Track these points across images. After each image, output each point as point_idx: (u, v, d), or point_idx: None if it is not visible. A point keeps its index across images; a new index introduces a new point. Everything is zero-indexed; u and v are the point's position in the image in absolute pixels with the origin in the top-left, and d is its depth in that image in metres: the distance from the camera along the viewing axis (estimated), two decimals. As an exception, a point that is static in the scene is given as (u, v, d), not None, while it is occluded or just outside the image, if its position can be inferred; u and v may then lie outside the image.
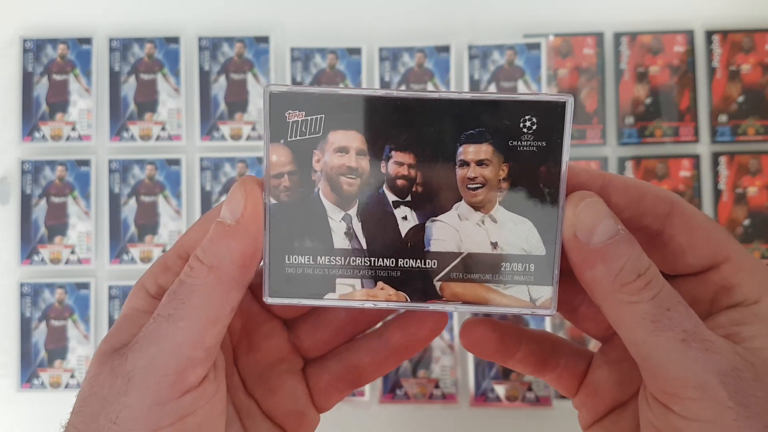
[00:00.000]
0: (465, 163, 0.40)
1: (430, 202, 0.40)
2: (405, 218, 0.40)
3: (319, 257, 0.41)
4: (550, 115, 0.39)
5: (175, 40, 1.12)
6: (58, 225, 1.10)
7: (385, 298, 0.41)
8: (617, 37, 1.10)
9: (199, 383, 0.39)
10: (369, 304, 0.41)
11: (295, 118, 0.40)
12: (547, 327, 1.05)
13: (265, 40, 1.12)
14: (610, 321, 0.39)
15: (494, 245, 0.41)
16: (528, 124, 0.39)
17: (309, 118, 0.40)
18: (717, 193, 1.08)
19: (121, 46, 1.12)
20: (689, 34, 1.10)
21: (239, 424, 0.46)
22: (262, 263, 0.41)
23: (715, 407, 0.35)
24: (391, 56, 1.11)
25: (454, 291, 0.41)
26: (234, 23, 1.13)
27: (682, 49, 1.10)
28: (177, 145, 1.11)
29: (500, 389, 1.06)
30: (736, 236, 1.03)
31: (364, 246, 0.41)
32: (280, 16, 1.13)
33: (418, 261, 0.41)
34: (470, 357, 1.07)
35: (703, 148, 1.10)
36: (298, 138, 0.40)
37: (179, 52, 1.12)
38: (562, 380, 0.49)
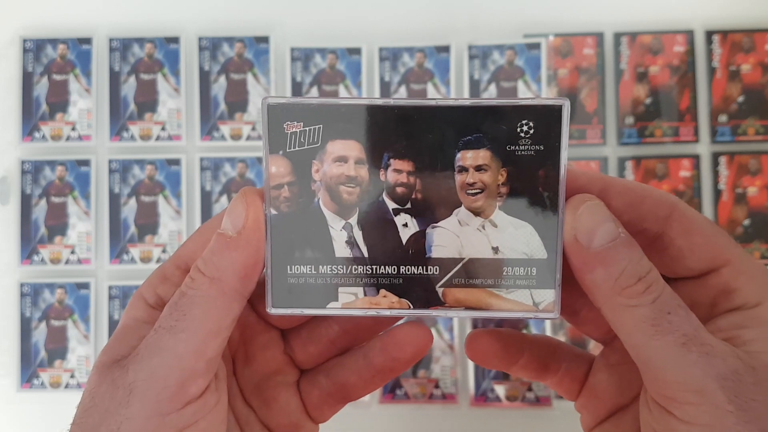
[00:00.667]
0: (464, 169, 0.40)
1: (430, 209, 0.40)
2: (405, 225, 0.41)
3: (320, 267, 0.41)
4: (547, 119, 0.39)
5: (175, 40, 1.12)
6: (58, 225, 1.10)
7: (388, 306, 0.41)
8: (617, 37, 1.10)
9: (201, 394, 0.39)
10: (372, 312, 0.41)
11: (294, 129, 0.40)
12: (547, 329, 1.05)
13: (265, 40, 1.12)
14: (610, 324, 0.39)
15: (495, 250, 0.41)
16: (525, 128, 0.39)
17: (307, 128, 0.40)
18: (717, 193, 1.08)
19: (121, 46, 1.12)
20: (689, 34, 1.10)
21: None
22: (263, 274, 0.41)
23: (714, 411, 0.35)
24: (391, 56, 1.11)
25: (456, 297, 0.41)
26: (234, 23, 1.12)
27: (682, 49, 1.10)
28: (177, 145, 1.11)
29: (500, 389, 1.06)
30: (736, 236, 1.03)
31: (366, 254, 0.41)
32: (280, 16, 1.13)
33: (420, 268, 0.41)
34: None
35: (703, 148, 1.10)
36: (297, 149, 0.40)
37: (179, 52, 1.12)
38: (563, 384, 0.49)
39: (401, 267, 0.41)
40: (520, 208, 0.40)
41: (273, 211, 0.40)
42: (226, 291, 0.39)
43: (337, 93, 1.11)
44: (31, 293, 1.09)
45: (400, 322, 0.47)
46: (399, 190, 0.40)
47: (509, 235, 0.40)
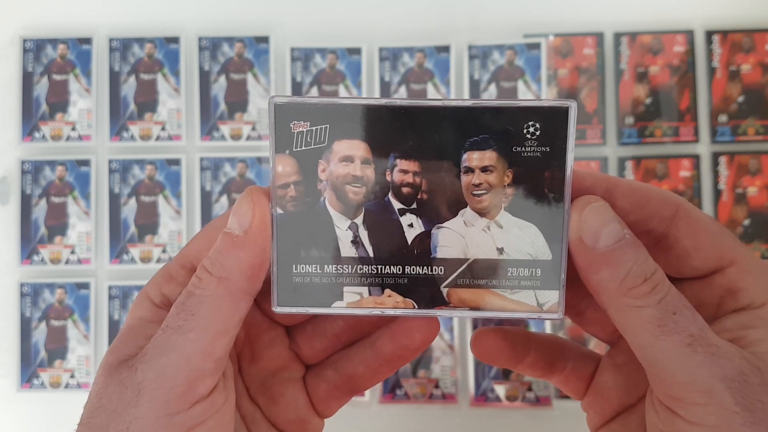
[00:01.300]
0: (470, 170, 0.40)
1: (436, 209, 0.41)
2: (411, 225, 0.41)
3: (326, 266, 0.41)
4: (554, 120, 0.39)
5: (175, 40, 1.12)
6: (58, 225, 1.10)
7: (393, 306, 0.41)
8: (617, 37, 1.10)
9: (209, 394, 0.39)
10: (377, 312, 0.41)
11: (300, 129, 0.40)
12: (547, 327, 1.05)
13: (265, 40, 1.12)
14: (616, 325, 0.39)
15: (500, 251, 0.41)
16: (531, 129, 0.39)
17: (314, 128, 0.40)
18: (717, 193, 1.08)
19: (121, 46, 1.12)
20: (689, 34, 1.10)
21: (245, 431, 0.46)
22: (269, 272, 0.41)
23: (721, 412, 0.35)
24: (391, 56, 1.11)
25: (461, 297, 0.41)
26: (234, 23, 1.12)
27: (682, 49, 1.10)
28: (177, 145, 1.11)
29: (500, 389, 1.06)
30: (736, 236, 1.03)
31: (371, 254, 0.41)
32: (280, 16, 1.13)
33: (425, 268, 0.41)
34: (470, 357, 1.07)
35: (703, 148, 1.10)
36: (304, 148, 0.40)
37: (179, 52, 1.12)
38: (569, 383, 0.49)
39: (406, 267, 0.41)
40: (526, 209, 0.40)
41: (279, 211, 0.41)
42: (234, 290, 0.39)
43: (337, 93, 1.11)
44: (31, 293, 1.09)
45: None
46: (405, 190, 0.40)
47: (514, 235, 0.41)
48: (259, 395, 0.48)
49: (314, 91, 1.11)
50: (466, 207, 0.40)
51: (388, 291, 0.41)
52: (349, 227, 0.41)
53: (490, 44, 1.10)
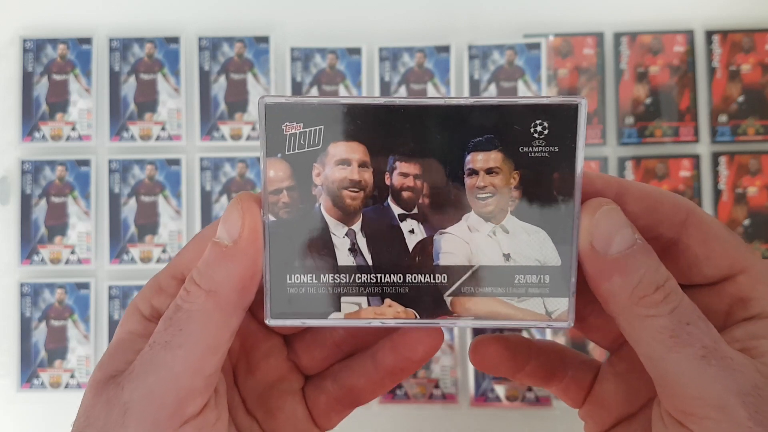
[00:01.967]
0: (474, 172, 0.38)
1: (438, 214, 0.39)
2: (412, 231, 0.39)
3: (322, 276, 0.39)
4: (563, 118, 0.37)
5: (175, 40, 1.12)
6: (58, 225, 1.10)
7: (394, 316, 0.39)
8: (617, 37, 1.10)
9: (200, 412, 0.38)
10: (376, 323, 0.40)
11: (293, 131, 0.38)
12: (547, 333, 1.05)
13: (265, 40, 1.11)
14: (626, 335, 0.37)
15: (507, 257, 0.39)
16: (539, 128, 0.38)
17: (307, 130, 0.38)
18: (717, 193, 1.08)
19: (121, 46, 1.12)
20: (689, 34, 1.10)
21: None
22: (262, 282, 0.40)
23: (734, 427, 0.33)
24: (391, 56, 1.11)
25: (465, 306, 0.39)
26: (234, 23, 1.12)
27: (682, 49, 1.10)
28: (177, 145, 1.11)
29: (500, 389, 1.06)
30: (746, 244, 1.03)
31: (370, 262, 0.39)
32: (280, 16, 1.13)
33: (427, 276, 0.39)
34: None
35: (703, 148, 1.10)
36: (297, 151, 0.38)
37: (179, 52, 1.12)
38: (569, 391, 0.48)
39: (407, 275, 0.39)
40: (533, 213, 0.39)
41: (271, 218, 0.39)
42: (223, 305, 0.37)
43: (337, 93, 1.11)
44: (31, 293, 1.09)
45: None
46: (405, 194, 0.38)
47: (521, 241, 0.39)
48: (257, 408, 0.46)
49: (314, 91, 1.11)
50: (470, 211, 0.39)
51: (388, 301, 0.39)
52: (346, 234, 0.39)
53: (490, 44, 1.10)
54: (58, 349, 1.09)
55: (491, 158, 0.38)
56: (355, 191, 0.39)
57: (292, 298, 0.39)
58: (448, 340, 1.07)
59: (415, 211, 0.39)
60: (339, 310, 0.40)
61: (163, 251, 1.10)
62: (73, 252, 1.10)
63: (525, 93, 1.09)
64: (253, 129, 1.10)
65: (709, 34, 1.10)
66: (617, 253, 0.36)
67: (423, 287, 0.39)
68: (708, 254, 0.39)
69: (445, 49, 1.10)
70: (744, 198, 1.08)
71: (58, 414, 1.07)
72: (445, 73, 1.10)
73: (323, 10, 1.13)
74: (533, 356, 0.47)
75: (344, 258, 0.39)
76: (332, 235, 0.39)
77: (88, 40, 1.12)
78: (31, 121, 1.10)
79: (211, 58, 1.11)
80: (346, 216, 0.39)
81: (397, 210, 0.39)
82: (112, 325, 1.09)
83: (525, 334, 1.02)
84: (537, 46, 1.10)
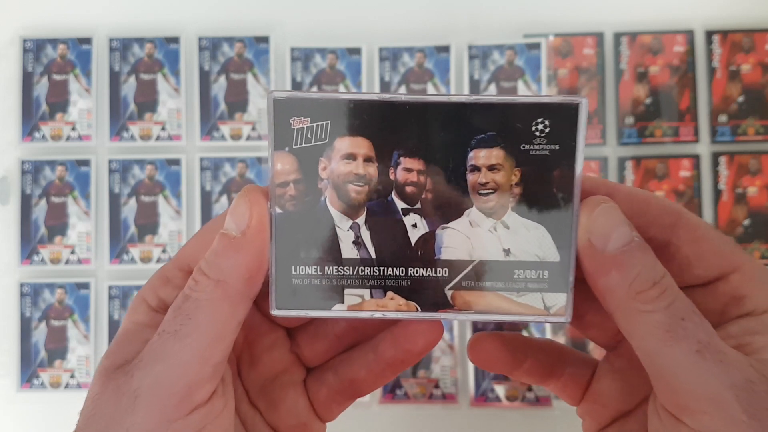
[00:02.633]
0: (476, 168, 0.39)
1: (441, 209, 0.39)
2: (415, 226, 0.39)
3: (326, 268, 0.40)
4: (564, 117, 0.38)
5: (175, 40, 1.12)
6: (58, 225, 1.10)
7: (395, 308, 0.40)
8: (617, 37, 1.11)
9: (207, 400, 0.38)
10: (378, 315, 0.40)
11: (301, 125, 0.38)
12: (546, 330, 1.05)
13: (265, 40, 1.12)
14: (622, 330, 0.38)
15: (507, 252, 0.40)
16: (540, 127, 0.38)
17: (315, 124, 0.39)
18: (717, 193, 1.08)
19: (121, 46, 1.12)
20: (689, 34, 1.10)
21: None
22: (268, 274, 0.40)
23: (727, 421, 0.34)
24: (391, 56, 1.11)
25: (465, 300, 0.40)
26: (234, 23, 1.12)
27: (682, 49, 1.10)
28: (177, 145, 1.11)
29: (500, 389, 1.06)
30: (736, 236, 1.03)
31: (373, 255, 0.40)
32: (280, 16, 1.13)
33: (429, 270, 0.40)
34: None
35: (703, 148, 1.10)
36: (304, 145, 0.39)
37: (179, 52, 1.12)
38: (566, 389, 0.48)
39: (409, 268, 0.40)
40: (534, 210, 0.39)
41: (278, 210, 0.39)
42: (231, 294, 0.38)
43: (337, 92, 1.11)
44: (31, 293, 1.09)
45: None
46: (409, 189, 0.39)
47: (521, 236, 0.39)
48: (260, 399, 0.47)
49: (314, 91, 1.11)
50: (471, 207, 0.39)
51: (390, 293, 0.40)
52: (350, 227, 0.40)
53: (490, 44, 1.10)
54: (58, 349, 1.09)
55: (493, 155, 0.39)
56: (360, 185, 0.39)
57: (297, 290, 0.40)
58: (448, 339, 1.07)
59: (418, 205, 0.39)
60: (342, 302, 0.40)
61: (163, 251, 1.10)
62: (73, 252, 1.10)
63: (525, 93, 1.09)
64: (253, 129, 1.11)
65: (709, 34, 1.10)
66: (615, 249, 0.37)
67: (425, 281, 0.40)
68: (699, 255, 0.40)
69: (445, 49, 1.10)
70: (744, 198, 1.08)
71: (58, 414, 1.07)
72: (445, 73, 1.10)
73: (323, 10, 1.13)
74: (531, 353, 0.47)
75: (348, 251, 0.40)
76: (337, 228, 0.40)
77: (88, 40, 1.12)
78: (31, 121, 1.10)
79: (211, 58, 1.11)
80: (350, 209, 0.40)
81: (400, 204, 0.40)
82: (112, 325, 1.09)
83: (525, 333, 1.02)
84: (537, 46, 1.10)
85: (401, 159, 0.39)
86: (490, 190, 0.39)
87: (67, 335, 1.09)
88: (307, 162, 0.39)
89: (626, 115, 1.09)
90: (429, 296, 0.40)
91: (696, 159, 1.09)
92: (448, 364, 1.07)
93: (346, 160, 0.39)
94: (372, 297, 0.40)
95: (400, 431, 1.08)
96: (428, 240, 0.40)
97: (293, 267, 0.40)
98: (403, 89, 1.10)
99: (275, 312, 0.40)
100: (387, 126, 0.39)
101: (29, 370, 1.09)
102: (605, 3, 1.12)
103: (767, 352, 0.36)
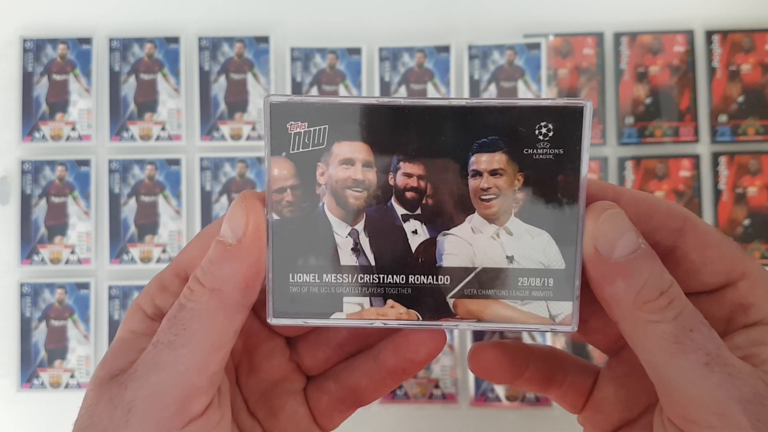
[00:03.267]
0: (478, 173, 0.38)
1: (442, 215, 0.38)
2: (415, 232, 0.39)
3: (324, 275, 0.39)
4: (568, 120, 0.37)
5: (175, 40, 1.12)
6: (58, 225, 1.10)
7: (396, 317, 0.39)
8: (617, 37, 1.10)
9: (203, 411, 0.38)
10: (378, 324, 0.39)
11: (298, 130, 0.38)
12: (548, 336, 1.05)
13: (265, 40, 1.11)
14: (628, 341, 0.37)
15: (510, 259, 0.39)
16: (544, 130, 0.37)
17: (312, 129, 0.38)
18: (717, 193, 1.08)
19: (121, 46, 1.12)
20: (689, 34, 1.10)
21: None
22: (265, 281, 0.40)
23: None
24: (391, 56, 1.11)
25: (468, 308, 0.39)
26: (234, 23, 1.12)
27: (682, 49, 1.10)
28: (177, 145, 1.11)
29: (500, 389, 1.06)
30: (736, 236, 1.03)
31: (372, 262, 0.39)
32: (280, 16, 1.13)
33: (430, 277, 0.39)
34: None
35: (703, 148, 1.10)
36: (301, 150, 0.38)
37: (179, 52, 1.12)
38: (567, 397, 0.48)
39: (410, 276, 0.39)
40: (537, 215, 0.38)
41: (275, 216, 0.38)
42: (227, 303, 0.37)
43: (337, 93, 1.11)
44: (31, 293, 1.09)
45: None
46: (408, 194, 0.38)
47: (525, 243, 0.39)
48: (259, 408, 0.46)
49: (314, 91, 1.11)
50: (473, 213, 0.38)
51: (390, 302, 0.39)
52: (349, 234, 0.39)
53: (490, 44, 1.10)
54: (58, 349, 1.09)
55: (495, 160, 0.38)
56: (359, 191, 0.39)
57: (295, 298, 0.39)
58: (448, 340, 1.07)
59: (419, 211, 0.39)
60: (341, 310, 0.39)
61: (163, 251, 1.10)
62: (73, 252, 1.10)
63: (525, 93, 1.09)
64: (253, 129, 1.10)
65: (709, 34, 1.10)
66: (621, 257, 0.36)
67: (425, 288, 0.39)
68: (706, 261, 0.39)
69: (445, 49, 1.10)
70: (744, 198, 1.08)
71: (58, 414, 1.07)
72: (445, 73, 1.10)
73: (323, 10, 1.13)
74: (532, 362, 0.47)
75: (347, 258, 0.39)
76: (335, 235, 0.39)
77: (88, 40, 1.12)
78: (31, 121, 1.10)
79: (211, 58, 1.11)
80: (349, 216, 0.39)
81: (400, 210, 0.39)
82: (112, 325, 1.09)
83: (527, 337, 1.02)
84: (537, 46, 1.10)
85: (401, 164, 0.38)
86: (492, 196, 0.38)
87: (67, 335, 1.09)
88: (304, 167, 0.38)
89: (626, 115, 1.09)
90: (430, 304, 0.39)
91: (696, 159, 1.09)
92: (448, 364, 1.07)
93: (345, 165, 0.38)
94: (372, 305, 0.39)
95: (400, 431, 1.08)
96: (429, 247, 0.39)
97: (291, 275, 0.39)
98: (403, 89, 1.10)
99: (272, 321, 0.40)
100: (386, 130, 0.38)
101: (29, 370, 1.09)
102: (605, 3, 1.12)
103: None
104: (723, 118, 1.09)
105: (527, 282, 0.39)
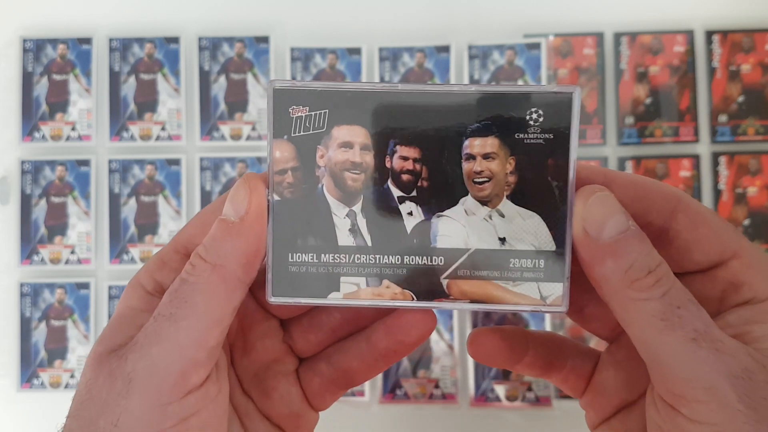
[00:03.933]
0: (471, 157, 0.39)
1: (436, 197, 0.39)
2: (410, 214, 0.40)
3: (323, 255, 0.40)
4: (557, 106, 0.38)
5: (175, 40, 1.12)
6: (58, 225, 1.10)
7: (391, 297, 0.40)
8: (617, 37, 1.11)
9: (202, 384, 0.38)
10: (374, 303, 0.40)
11: (299, 114, 0.39)
12: (547, 326, 1.05)
13: (265, 40, 1.12)
14: (618, 319, 0.38)
15: (502, 241, 0.40)
16: (535, 116, 0.38)
17: (313, 113, 0.39)
18: (717, 193, 1.08)
19: (121, 46, 1.12)
20: (689, 34, 1.10)
21: (239, 424, 0.45)
22: (264, 261, 0.40)
23: (724, 410, 0.33)
24: (391, 56, 1.11)
25: (461, 289, 0.40)
26: (234, 23, 1.13)
27: (682, 49, 1.10)
28: (177, 145, 1.11)
29: (500, 389, 1.06)
30: (737, 229, 1.03)
31: (369, 243, 0.40)
32: (280, 16, 1.13)
33: (424, 258, 0.40)
34: (470, 357, 1.07)
35: (703, 148, 1.10)
36: (302, 133, 0.39)
37: (179, 52, 1.12)
38: (568, 381, 0.48)
39: (405, 257, 0.40)
40: (529, 198, 0.39)
41: (276, 197, 0.40)
42: (228, 279, 0.38)
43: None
44: (31, 293, 1.09)
45: None
46: (405, 177, 0.39)
47: (517, 225, 0.39)
48: (252, 388, 0.47)
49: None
50: (467, 195, 0.39)
51: (386, 282, 0.40)
52: (347, 215, 0.40)
53: (490, 44, 1.10)
54: (58, 349, 1.09)
55: (488, 144, 0.39)
56: (357, 173, 0.40)
57: (294, 277, 0.40)
58: (448, 339, 1.07)
59: (414, 193, 0.40)
60: (338, 290, 0.40)
61: (163, 251, 1.10)
62: (73, 252, 1.10)
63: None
64: (253, 129, 1.11)
65: (709, 34, 1.10)
66: (610, 238, 0.37)
67: (420, 269, 0.40)
68: (698, 240, 0.39)
69: (445, 49, 1.10)
70: (744, 198, 1.08)
71: (58, 414, 1.07)
72: (445, 73, 1.11)
73: (323, 10, 1.13)
74: (531, 347, 0.47)
75: (344, 238, 0.40)
76: (333, 216, 0.40)
77: (88, 40, 1.12)
78: (31, 121, 1.11)
79: (211, 58, 1.12)
80: (347, 197, 0.40)
81: (396, 192, 0.40)
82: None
83: (532, 323, 1.02)
84: (537, 46, 1.10)
85: (397, 147, 0.39)
86: (485, 179, 0.39)
87: (67, 335, 1.09)
88: (305, 150, 0.40)
89: (626, 115, 1.09)
90: (425, 285, 0.40)
91: (696, 159, 1.09)
92: (448, 364, 1.07)
93: (343, 148, 0.39)
94: (368, 285, 0.40)
95: (400, 431, 1.07)
96: (424, 228, 0.40)
97: (290, 254, 0.40)
98: (407, 83, 1.10)
99: (272, 299, 0.41)
100: (383, 115, 0.39)
101: (29, 370, 1.09)
102: (605, 3, 1.12)
103: (766, 342, 0.36)
104: (723, 118, 1.09)
105: (519, 263, 0.40)
